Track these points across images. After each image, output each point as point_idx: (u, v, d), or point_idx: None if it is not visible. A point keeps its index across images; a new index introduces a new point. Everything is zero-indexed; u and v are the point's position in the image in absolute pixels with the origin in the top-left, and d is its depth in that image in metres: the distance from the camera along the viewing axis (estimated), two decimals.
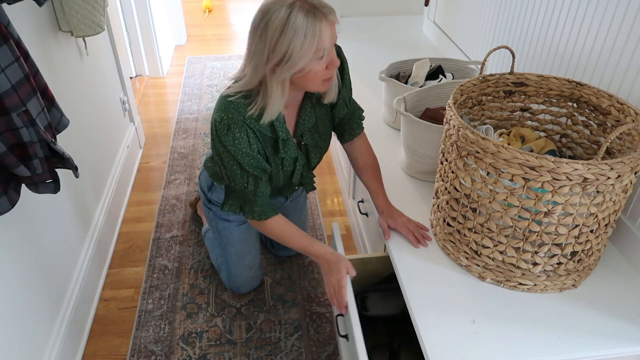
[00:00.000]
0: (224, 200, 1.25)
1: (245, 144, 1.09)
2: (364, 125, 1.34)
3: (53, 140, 1.07)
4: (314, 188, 1.39)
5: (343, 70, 1.21)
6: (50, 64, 1.50)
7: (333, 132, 1.35)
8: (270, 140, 1.15)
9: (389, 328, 1.30)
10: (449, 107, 1.04)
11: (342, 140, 1.35)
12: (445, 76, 1.69)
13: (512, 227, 0.96)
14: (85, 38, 1.75)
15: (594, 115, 1.14)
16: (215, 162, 1.28)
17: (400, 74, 1.73)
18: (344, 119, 1.30)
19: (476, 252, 1.05)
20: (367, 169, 1.33)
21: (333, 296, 1.13)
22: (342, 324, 1.22)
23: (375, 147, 1.36)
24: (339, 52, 1.20)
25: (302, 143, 1.23)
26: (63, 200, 1.51)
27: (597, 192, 0.89)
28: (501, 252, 1.01)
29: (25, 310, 1.25)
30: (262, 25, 0.97)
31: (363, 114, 1.34)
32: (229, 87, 1.11)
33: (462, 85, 1.14)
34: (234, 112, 1.07)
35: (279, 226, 1.22)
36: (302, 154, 1.25)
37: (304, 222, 1.72)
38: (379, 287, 1.31)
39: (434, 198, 1.20)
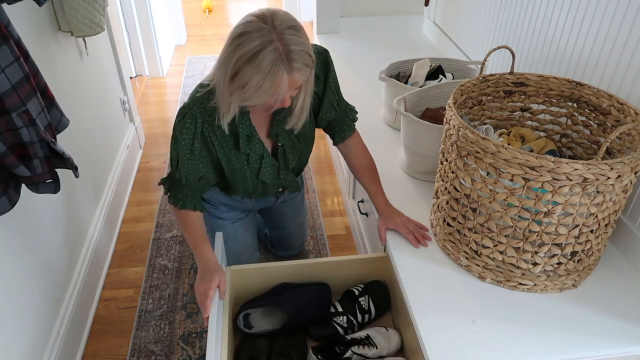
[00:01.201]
0: (166, 176, 1.27)
1: (189, 138, 1.11)
2: (362, 126, 1.34)
3: (53, 140, 1.07)
4: (297, 190, 1.38)
5: (328, 72, 1.20)
6: (50, 64, 1.50)
7: (326, 134, 1.35)
8: (232, 136, 1.15)
9: (270, 341, 1.29)
10: (449, 107, 1.04)
11: (334, 142, 1.34)
12: (445, 76, 1.69)
13: (512, 227, 0.96)
14: (85, 38, 1.75)
15: (594, 115, 1.14)
16: None
17: (400, 74, 1.73)
18: (333, 121, 1.29)
19: (476, 252, 1.05)
20: (363, 170, 1.33)
21: (199, 304, 1.11)
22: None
23: (375, 147, 1.36)
24: (325, 56, 1.19)
25: (279, 144, 1.23)
26: (63, 200, 1.51)
27: (597, 192, 0.89)
28: (501, 252, 1.01)
29: (25, 310, 1.25)
30: (236, 43, 0.95)
31: (356, 116, 1.33)
32: (208, 77, 1.12)
33: (462, 85, 1.14)
34: (197, 104, 1.09)
35: (188, 218, 1.23)
36: (280, 155, 1.24)
37: (301, 222, 1.71)
38: (261, 302, 1.30)
39: (434, 198, 1.20)
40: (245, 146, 1.17)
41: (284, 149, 1.24)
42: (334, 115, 1.27)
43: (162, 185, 1.26)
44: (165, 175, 1.28)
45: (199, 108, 1.09)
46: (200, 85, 1.11)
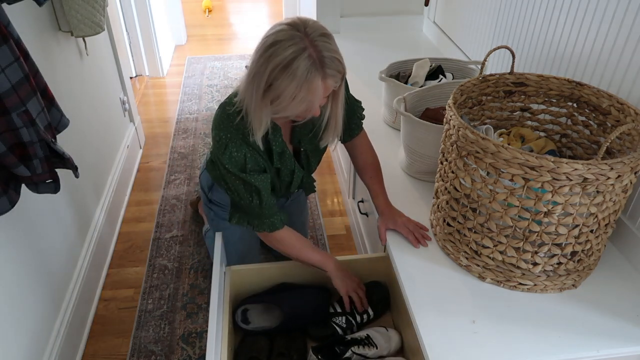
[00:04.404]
0: (230, 212, 1.23)
1: (242, 162, 1.09)
2: (363, 125, 1.34)
3: (53, 140, 1.07)
4: (314, 191, 1.39)
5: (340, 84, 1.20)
6: (50, 64, 1.50)
7: None
8: (266, 152, 1.15)
9: (270, 341, 1.28)
10: (449, 107, 1.04)
11: (342, 140, 1.35)
12: (445, 76, 1.69)
13: (512, 227, 0.96)
14: (85, 38, 1.75)
15: (594, 115, 1.14)
16: (216, 169, 1.28)
17: (400, 74, 1.73)
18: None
19: (476, 252, 1.05)
20: (367, 169, 1.33)
21: (362, 299, 1.23)
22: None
23: (375, 147, 1.36)
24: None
25: (302, 149, 1.23)
26: (63, 200, 1.51)
27: (597, 192, 0.89)
28: (501, 252, 1.01)
29: (26, 310, 1.25)
30: (268, 54, 0.93)
31: (363, 113, 1.33)
32: (230, 98, 1.11)
33: (462, 85, 1.14)
34: (232, 130, 1.07)
35: (283, 236, 1.22)
36: (303, 160, 1.24)
37: (304, 222, 1.72)
38: (261, 298, 1.29)
39: (434, 198, 1.20)
40: (277, 162, 1.17)
41: (307, 153, 1.24)
42: (343, 114, 1.27)
43: (239, 225, 1.22)
44: (214, 200, 1.33)
45: (237, 134, 1.07)
46: (225, 108, 1.09)
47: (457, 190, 1.04)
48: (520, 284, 1.03)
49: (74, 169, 1.16)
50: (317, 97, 0.97)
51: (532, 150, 1.20)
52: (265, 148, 1.14)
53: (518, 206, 0.93)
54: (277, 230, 1.20)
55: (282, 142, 1.15)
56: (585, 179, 0.86)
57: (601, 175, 0.85)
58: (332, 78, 0.96)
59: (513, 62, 1.18)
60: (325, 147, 1.29)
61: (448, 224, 1.11)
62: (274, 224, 1.19)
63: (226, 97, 1.14)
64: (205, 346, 1.47)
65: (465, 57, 2.01)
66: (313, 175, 1.39)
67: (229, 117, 1.08)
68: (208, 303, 1.67)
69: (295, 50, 0.91)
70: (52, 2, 1.56)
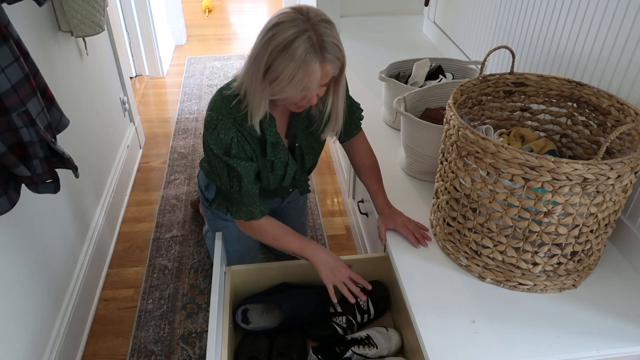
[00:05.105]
0: (213, 197, 1.24)
1: (227, 145, 1.09)
2: (362, 126, 1.34)
3: (53, 140, 1.07)
4: (309, 191, 1.39)
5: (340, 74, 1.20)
6: (50, 64, 1.50)
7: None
8: (259, 143, 1.14)
9: (270, 340, 1.28)
10: (449, 107, 1.04)
11: (340, 140, 1.35)
12: (445, 76, 1.69)
13: (512, 227, 0.96)
14: (85, 38, 1.75)
15: (594, 115, 1.14)
16: (204, 157, 1.28)
17: (400, 74, 1.73)
18: None
19: (476, 252, 1.05)
20: (365, 169, 1.33)
21: (350, 288, 1.14)
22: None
23: (375, 147, 1.36)
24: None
25: (296, 144, 1.22)
26: (63, 200, 1.51)
27: (597, 192, 0.89)
28: (501, 252, 1.01)
29: (25, 310, 1.25)
30: (269, 35, 0.95)
31: (362, 114, 1.33)
32: (229, 83, 1.10)
33: (462, 85, 1.14)
34: (224, 113, 1.07)
35: (268, 227, 1.20)
36: (297, 156, 1.24)
37: (304, 223, 1.72)
38: (261, 298, 1.29)
39: (434, 198, 1.20)
40: (271, 153, 1.16)
41: (302, 149, 1.23)
42: (344, 109, 1.26)
43: (218, 210, 1.22)
44: (211, 199, 1.28)
45: (229, 117, 1.07)
46: (222, 92, 1.09)
47: (457, 190, 1.04)
48: (520, 284, 1.03)
49: (74, 169, 1.16)
50: (314, 81, 0.96)
51: (532, 150, 1.20)
52: (260, 138, 1.14)
53: (518, 206, 0.93)
54: (254, 220, 1.19)
55: (276, 133, 1.14)
56: (585, 179, 0.86)
57: (601, 175, 0.85)
58: (330, 64, 0.96)
59: (513, 62, 1.18)
60: (322, 146, 1.29)
61: (448, 224, 1.11)
62: (251, 212, 1.18)
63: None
64: (205, 346, 1.47)
65: (465, 57, 2.01)
66: (312, 175, 1.38)
67: (224, 100, 1.08)
68: (208, 303, 1.67)
69: (295, 31, 0.92)
70: (52, 2, 1.56)
